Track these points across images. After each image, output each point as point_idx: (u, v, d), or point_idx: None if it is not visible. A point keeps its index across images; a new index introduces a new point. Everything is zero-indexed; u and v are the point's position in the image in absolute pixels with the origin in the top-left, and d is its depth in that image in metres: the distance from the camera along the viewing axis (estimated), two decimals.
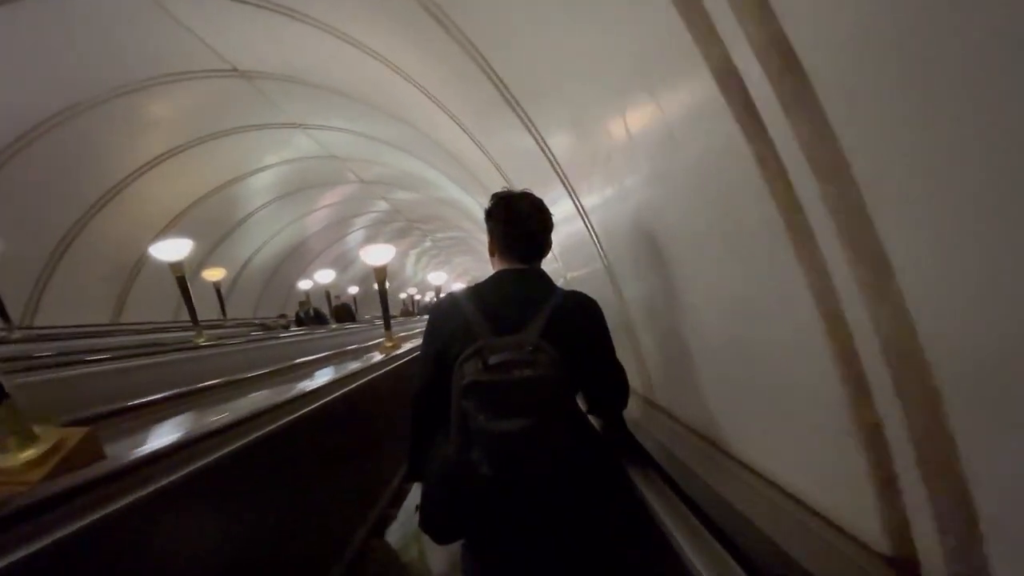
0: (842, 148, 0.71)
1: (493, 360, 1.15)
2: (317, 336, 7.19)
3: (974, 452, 0.64)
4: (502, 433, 1.11)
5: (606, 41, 1.34)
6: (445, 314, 1.32)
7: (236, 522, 1.72)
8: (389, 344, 5.05)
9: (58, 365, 2.93)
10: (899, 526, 0.80)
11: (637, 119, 1.37)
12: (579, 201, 2.35)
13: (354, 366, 3.50)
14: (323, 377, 2.99)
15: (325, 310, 10.26)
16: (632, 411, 1.72)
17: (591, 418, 1.53)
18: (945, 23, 0.53)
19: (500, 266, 1.40)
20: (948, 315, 0.64)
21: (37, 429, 1.23)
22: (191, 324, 5.04)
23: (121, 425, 2.11)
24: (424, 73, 3.76)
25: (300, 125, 7.04)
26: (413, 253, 18.49)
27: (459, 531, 1.32)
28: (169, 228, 7.90)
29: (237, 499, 1.75)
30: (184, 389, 2.64)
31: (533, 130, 2.50)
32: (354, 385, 2.94)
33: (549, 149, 2.45)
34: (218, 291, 7.86)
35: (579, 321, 1.32)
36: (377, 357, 4.29)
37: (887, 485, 0.80)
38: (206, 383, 2.92)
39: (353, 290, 13.69)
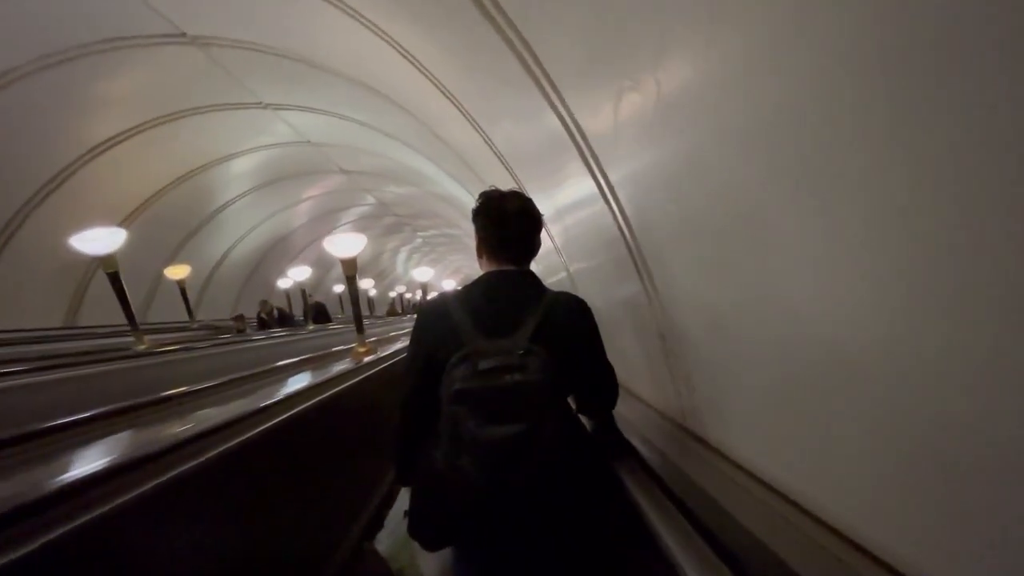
0: None
1: (483, 365, 1.14)
2: (276, 341, 6.47)
3: None
4: (493, 439, 1.10)
5: None
6: (433, 316, 1.31)
7: None
8: (362, 350, 4.35)
9: None
10: None
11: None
12: (603, 178, 1.70)
13: (299, 384, 2.78)
14: (255, 399, 2.26)
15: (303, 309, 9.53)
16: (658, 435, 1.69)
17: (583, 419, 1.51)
18: None
19: (489, 267, 1.39)
20: None
21: None
22: (131, 329, 4.32)
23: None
24: (419, 46, 3.07)
25: (269, 105, 6.32)
26: (404, 250, 17.86)
27: (449, 538, 1.28)
28: (131, 220, 7.19)
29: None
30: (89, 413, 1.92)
31: (560, 107, 1.81)
32: (289, 414, 2.23)
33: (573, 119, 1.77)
34: (183, 291, 7.14)
35: (570, 323, 1.32)
36: (340, 368, 3.58)
37: None
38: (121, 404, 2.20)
39: (339, 288, 12.99)
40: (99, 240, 3.95)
